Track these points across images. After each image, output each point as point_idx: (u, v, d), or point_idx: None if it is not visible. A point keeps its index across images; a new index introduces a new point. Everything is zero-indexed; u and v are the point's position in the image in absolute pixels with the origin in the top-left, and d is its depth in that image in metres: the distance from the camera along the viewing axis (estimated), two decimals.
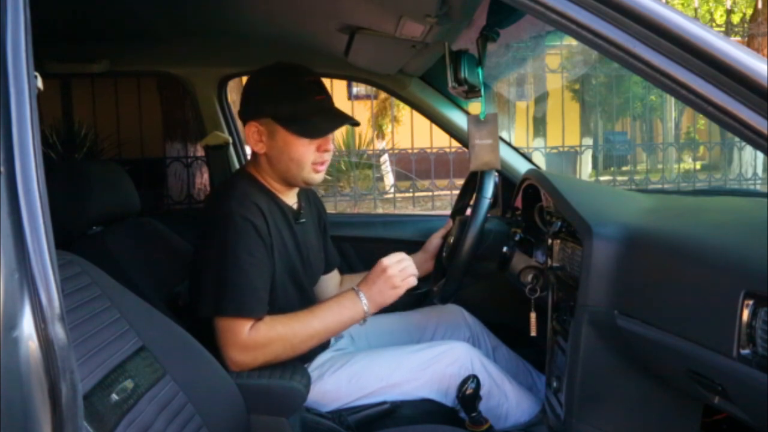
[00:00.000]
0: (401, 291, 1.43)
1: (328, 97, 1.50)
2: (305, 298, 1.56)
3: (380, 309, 1.43)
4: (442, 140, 4.77)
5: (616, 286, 1.15)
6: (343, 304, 1.42)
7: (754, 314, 0.84)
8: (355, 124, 1.55)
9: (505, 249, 1.63)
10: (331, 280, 1.81)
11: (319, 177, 1.51)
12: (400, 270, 1.42)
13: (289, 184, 1.53)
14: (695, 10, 6.80)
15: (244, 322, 1.34)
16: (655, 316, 1.05)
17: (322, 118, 1.47)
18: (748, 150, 6.26)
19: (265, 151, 1.48)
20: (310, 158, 1.47)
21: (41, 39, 0.89)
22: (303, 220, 1.59)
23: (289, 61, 1.52)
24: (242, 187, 1.46)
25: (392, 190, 5.92)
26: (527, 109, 6.26)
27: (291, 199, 1.57)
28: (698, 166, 7.42)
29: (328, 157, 1.50)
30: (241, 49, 2.20)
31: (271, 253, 1.43)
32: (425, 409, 1.52)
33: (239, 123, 2.32)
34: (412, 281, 1.44)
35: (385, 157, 7.71)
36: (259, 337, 1.34)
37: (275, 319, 1.38)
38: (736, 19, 6.24)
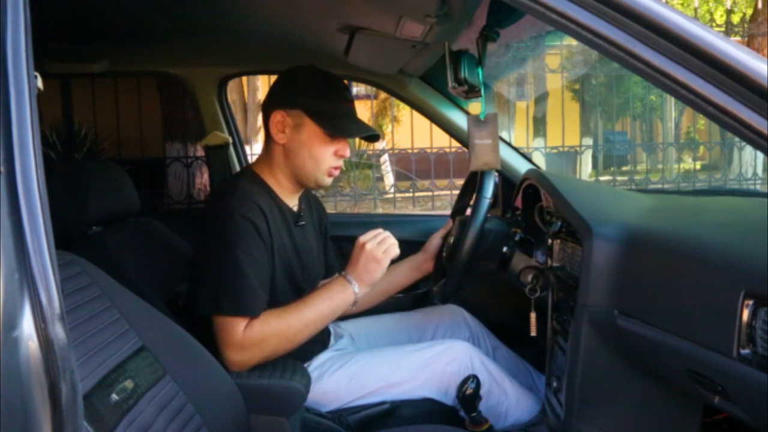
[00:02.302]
0: (385, 263, 1.44)
1: (354, 107, 1.54)
2: None
3: (370, 286, 1.44)
4: (442, 140, 4.77)
5: (616, 286, 1.15)
6: (333, 288, 1.43)
7: (754, 314, 0.84)
8: (376, 137, 1.58)
9: (505, 249, 1.63)
10: None
11: (329, 181, 1.54)
12: (379, 243, 1.43)
13: (299, 182, 1.54)
14: (695, 10, 6.80)
15: (241, 321, 1.35)
16: (655, 316, 1.05)
17: (350, 121, 1.51)
18: (748, 150, 6.26)
19: (285, 142, 1.49)
20: (327, 160, 1.49)
21: (41, 39, 0.89)
22: (303, 223, 1.59)
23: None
24: (244, 186, 1.46)
25: (392, 190, 5.92)
26: (527, 109, 6.26)
27: (292, 201, 1.58)
28: (698, 166, 7.42)
29: (341, 163, 1.53)
30: (241, 49, 2.20)
31: (270, 253, 1.43)
32: (425, 409, 1.52)
33: (240, 123, 2.32)
34: (394, 251, 1.45)
35: (385, 157, 7.72)
36: (254, 335, 1.34)
37: (268, 313, 1.38)
38: (736, 19, 6.24)
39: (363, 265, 1.43)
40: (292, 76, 1.53)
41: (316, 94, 1.48)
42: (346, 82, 1.64)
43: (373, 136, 1.56)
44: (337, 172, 1.53)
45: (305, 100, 1.47)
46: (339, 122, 1.48)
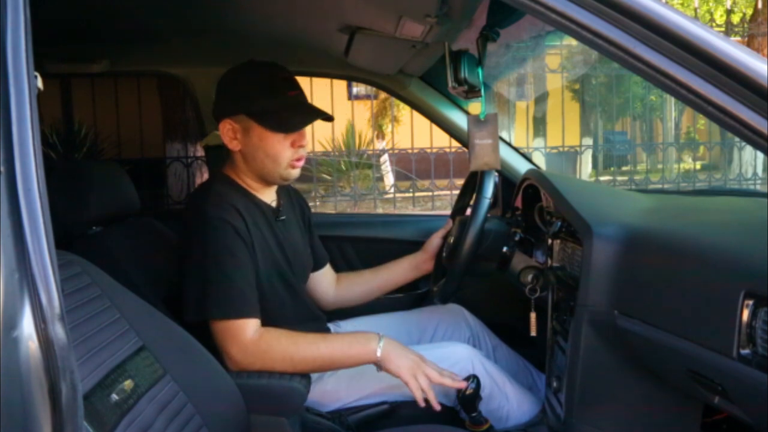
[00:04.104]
0: (417, 369, 1.37)
1: (301, 93, 1.50)
2: (296, 296, 1.56)
3: (391, 363, 1.38)
4: (442, 140, 4.77)
5: (616, 286, 1.15)
6: (357, 337, 1.42)
7: (754, 314, 0.84)
8: (329, 118, 1.54)
9: (505, 249, 1.63)
10: (323, 277, 1.80)
11: (295, 173, 1.51)
12: (434, 370, 1.38)
13: (266, 181, 1.53)
14: (695, 10, 6.80)
15: (241, 323, 1.34)
16: (655, 316, 1.05)
17: (295, 113, 1.47)
18: (748, 150, 6.26)
19: (240, 148, 1.49)
20: (285, 154, 1.47)
21: (41, 39, 0.89)
22: (283, 217, 1.59)
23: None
24: (217, 189, 1.46)
25: (392, 190, 5.92)
26: (527, 109, 6.26)
27: (269, 197, 1.57)
28: (698, 166, 7.41)
29: (303, 152, 1.50)
30: (241, 49, 2.19)
31: (252, 251, 1.43)
32: (425, 409, 1.52)
33: None
34: (433, 378, 1.37)
35: (385, 157, 7.70)
36: (262, 343, 1.34)
37: (284, 332, 1.37)
38: (736, 19, 6.23)
39: (403, 350, 1.39)
40: (229, 81, 1.51)
41: (254, 94, 1.45)
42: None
43: (326, 119, 1.52)
44: (301, 163, 1.50)
45: (245, 104, 1.45)
46: (284, 117, 1.45)
